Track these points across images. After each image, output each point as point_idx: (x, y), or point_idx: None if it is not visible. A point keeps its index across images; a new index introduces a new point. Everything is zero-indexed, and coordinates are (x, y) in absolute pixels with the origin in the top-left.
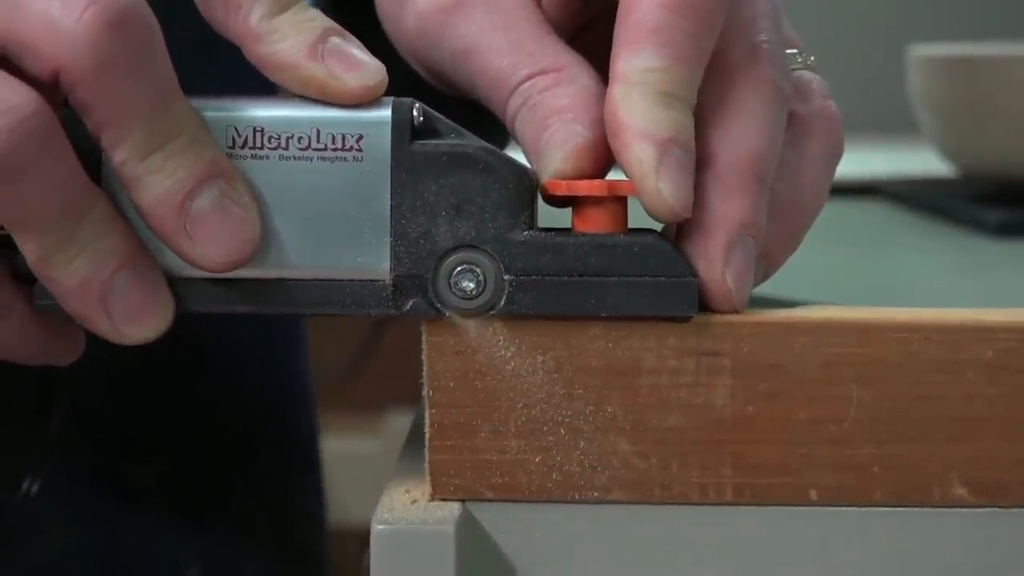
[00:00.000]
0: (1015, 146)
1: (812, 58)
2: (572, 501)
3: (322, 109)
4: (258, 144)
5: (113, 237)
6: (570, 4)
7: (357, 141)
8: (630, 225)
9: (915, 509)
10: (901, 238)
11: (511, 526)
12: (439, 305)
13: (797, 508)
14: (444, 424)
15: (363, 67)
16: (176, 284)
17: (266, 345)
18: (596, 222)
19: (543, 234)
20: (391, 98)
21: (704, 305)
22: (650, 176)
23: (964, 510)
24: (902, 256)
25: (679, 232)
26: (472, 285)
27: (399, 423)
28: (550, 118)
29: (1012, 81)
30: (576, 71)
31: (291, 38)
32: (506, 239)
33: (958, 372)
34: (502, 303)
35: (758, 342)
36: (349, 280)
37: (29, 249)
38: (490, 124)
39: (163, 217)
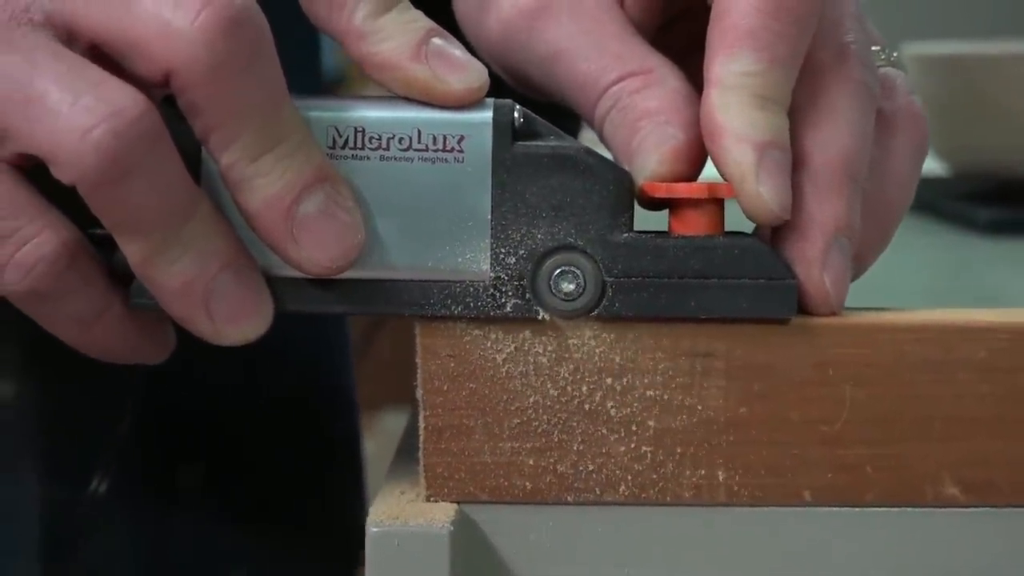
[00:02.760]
0: (1007, 145)
1: (895, 54)
2: (566, 503)
3: (423, 110)
4: (359, 145)
5: (216, 238)
6: (652, 6)
7: (458, 142)
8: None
9: (908, 509)
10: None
11: (506, 527)
12: (538, 307)
13: (791, 509)
14: (438, 426)
15: (467, 69)
16: (274, 283)
17: (315, 349)
18: (694, 224)
19: (643, 236)
20: (491, 99)
21: (800, 308)
22: (750, 179)
23: (957, 510)
24: (893, 254)
25: (774, 235)
26: (572, 287)
27: (393, 424)
28: (641, 120)
29: (1004, 79)
30: (664, 73)
31: (395, 38)
32: (607, 241)
33: (950, 372)
34: (602, 305)
35: (751, 343)
36: (448, 281)
37: (132, 251)
38: (566, 130)
39: (270, 221)
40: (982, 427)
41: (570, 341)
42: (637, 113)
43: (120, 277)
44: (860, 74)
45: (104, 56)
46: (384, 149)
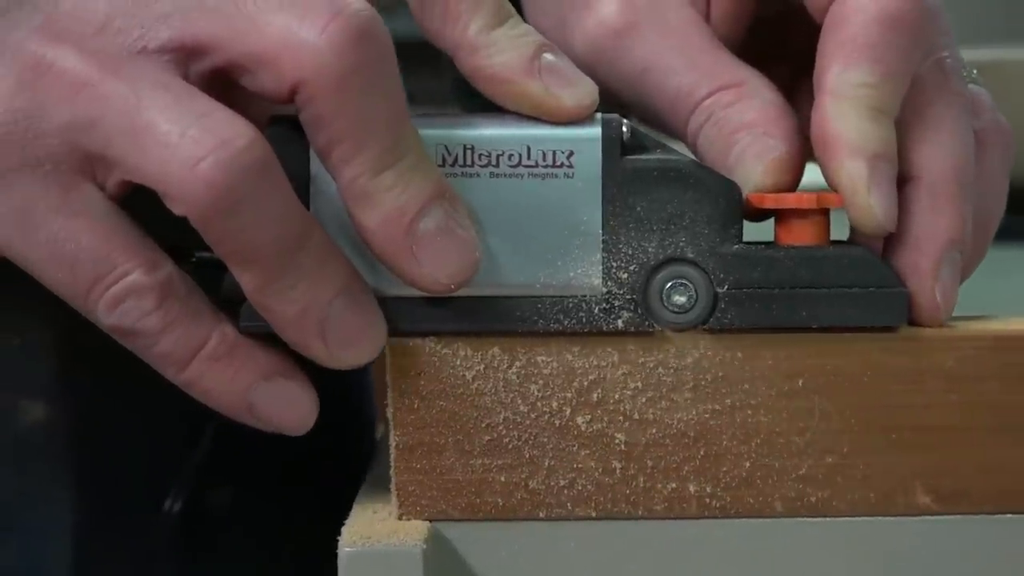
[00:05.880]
0: None
1: (975, 71)
2: (539, 519)
3: (532, 126)
4: (469, 162)
5: (330, 264)
6: (737, 19)
7: (568, 157)
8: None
9: (880, 519)
10: None
11: (479, 544)
12: (651, 320)
13: (762, 520)
14: (409, 444)
15: (578, 84)
16: (385, 304)
17: (343, 371)
18: (801, 234)
19: (753, 247)
20: (599, 114)
21: (909, 319)
22: (861, 191)
23: (929, 518)
24: None
25: (885, 245)
26: (684, 299)
27: None
28: (738, 132)
29: (995, 86)
30: (756, 85)
31: (508, 52)
32: (718, 252)
33: (919, 381)
34: (714, 317)
35: (720, 356)
36: (560, 296)
37: (246, 280)
38: None
39: (390, 237)
40: (952, 436)
41: (539, 357)
42: (733, 126)
43: (230, 299)
44: (959, 88)
45: (226, 77)
46: (494, 166)
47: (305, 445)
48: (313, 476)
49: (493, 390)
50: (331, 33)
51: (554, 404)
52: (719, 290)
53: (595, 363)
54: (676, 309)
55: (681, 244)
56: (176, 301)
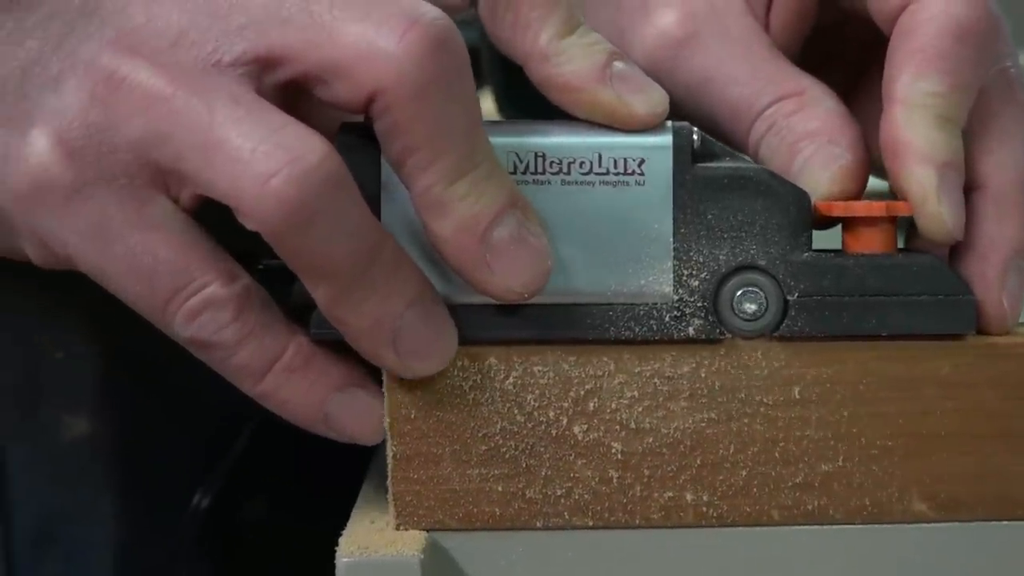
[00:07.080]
0: None
1: None
2: (536, 528)
3: (603, 134)
4: (540, 169)
5: (402, 276)
6: (797, 28)
7: (639, 165)
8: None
9: (877, 526)
10: None
11: (476, 554)
12: (721, 328)
13: (759, 529)
14: (406, 454)
15: (649, 92)
16: (456, 312)
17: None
18: (869, 242)
19: (823, 255)
20: (670, 122)
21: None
22: (931, 199)
23: (925, 526)
24: None
25: (951, 253)
26: (755, 307)
27: None
28: (802, 141)
29: None
30: (818, 93)
31: (579, 60)
32: (788, 260)
33: (915, 388)
34: (784, 325)
35: (715, 365)
36: (631, 304)
37: (319, 293)
38: None
39: (464, 246)
40: (948, 442)
41: (535, 367)
42: (796, 135)
43: (299, 307)
44: (1023, 97)
45: (299, 87)
46: (565, 174)
47: (340, 449)
48: (341, 485)
49: (490, 400)
50: (409, 42)
51: (551, 414)
52: (790, 298)
53: (591, 373)
54: (747, 317)
55: (752, 252)
56: (253, 313)
